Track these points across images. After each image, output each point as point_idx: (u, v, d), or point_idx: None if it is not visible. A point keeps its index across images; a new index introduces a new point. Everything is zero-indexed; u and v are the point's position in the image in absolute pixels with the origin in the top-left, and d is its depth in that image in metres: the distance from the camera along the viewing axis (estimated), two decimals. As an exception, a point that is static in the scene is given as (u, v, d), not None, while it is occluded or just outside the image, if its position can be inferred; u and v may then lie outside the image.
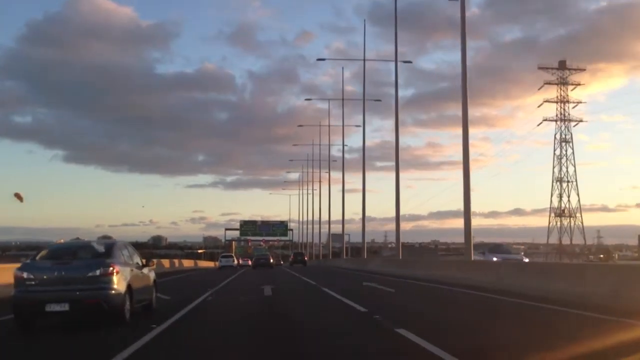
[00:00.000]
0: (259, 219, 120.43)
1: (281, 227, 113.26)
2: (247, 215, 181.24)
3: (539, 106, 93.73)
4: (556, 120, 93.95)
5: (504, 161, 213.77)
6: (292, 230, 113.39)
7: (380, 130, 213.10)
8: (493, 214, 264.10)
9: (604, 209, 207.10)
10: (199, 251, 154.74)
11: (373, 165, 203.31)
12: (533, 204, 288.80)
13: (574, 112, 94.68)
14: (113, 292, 9.68)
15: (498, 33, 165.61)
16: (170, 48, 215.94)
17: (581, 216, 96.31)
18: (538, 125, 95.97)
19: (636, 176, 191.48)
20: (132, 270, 10.55)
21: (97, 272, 9.67)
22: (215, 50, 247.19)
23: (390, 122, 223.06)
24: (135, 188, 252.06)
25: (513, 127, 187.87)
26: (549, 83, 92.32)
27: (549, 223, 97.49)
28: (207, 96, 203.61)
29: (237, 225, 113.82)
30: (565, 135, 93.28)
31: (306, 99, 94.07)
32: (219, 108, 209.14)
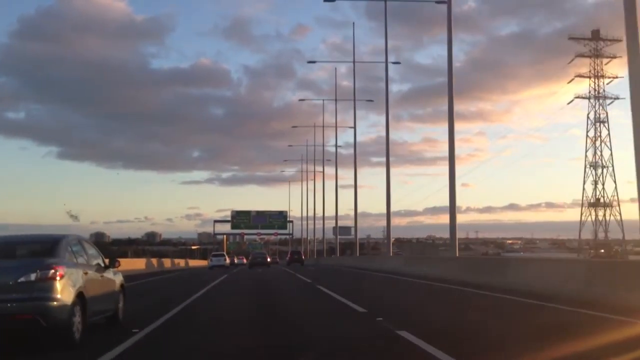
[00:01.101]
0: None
1: (279, 218, 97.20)
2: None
3: (569, 81, 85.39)
4: (589, 98, 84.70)
5: (500, 156, 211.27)
6: (292, 221, 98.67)
7: (376, 125, 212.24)
8: (488, 209, 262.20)
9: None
10: (193, 247, 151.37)
11: (369, 161, 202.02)
12: (528, 199, 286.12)
13: (609, 89, 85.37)
14: (55, 303, 7.22)
15: (495, 27, 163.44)
16: (165, 43, 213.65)
17: (619, 206, 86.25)
18: (569, 103, 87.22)
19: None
20: (86, 273, 8.21)
21: (32, 277, 7.23)
22: (210, 45, 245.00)
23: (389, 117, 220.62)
24: (130, 184, 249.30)
25: (509, 123, 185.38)
26: (582, 55, 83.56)
27: (581, 215, 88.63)
28: (203, 91, 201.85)
29: (229, 217, 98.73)
30: (600, 114, 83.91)
31: (300, 100, 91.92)
32: (215, 103, 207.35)
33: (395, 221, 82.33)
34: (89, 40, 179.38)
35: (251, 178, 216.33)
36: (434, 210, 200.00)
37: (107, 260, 9.51)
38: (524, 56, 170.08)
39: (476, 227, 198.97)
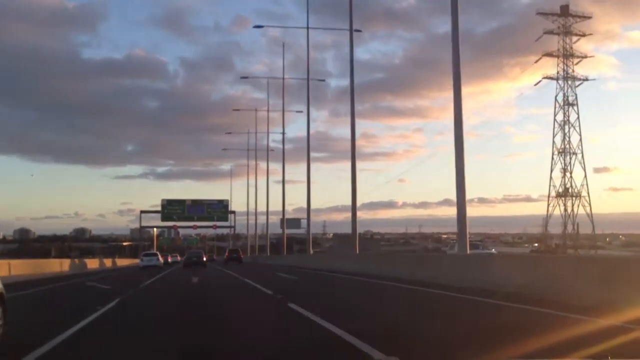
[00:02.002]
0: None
1: (219, 207, 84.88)
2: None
3: (536, 61, 79.75)
4: (557, 79, 78.87)
5: (436, 152, 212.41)
6: (234, 212, 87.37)
7: (315, 120, 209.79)
8: (424, 204, 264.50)
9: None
10: (124, 244, 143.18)
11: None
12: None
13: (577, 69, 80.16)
14: None
15: (433, 25, 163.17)
16: (98, 31, 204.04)
17: (589, 197, 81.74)
18: (536, 84, 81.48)
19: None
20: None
21: None
22: (145, 35, 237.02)
23: (325, 113, 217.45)
24: (60, 179, 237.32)
25: (446, 119, 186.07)
26: (549, 32, 77.61)
27: (548, 206, 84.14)
28: (137, 83, 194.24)
29: (159, 207, 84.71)
30: (568, 96, 78.35)
31: (242, 77, 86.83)
32: (150, 96, 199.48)
33: (332, 216, 78.72)
34: (16, 26, 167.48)
35: (188, 173, 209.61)
36: (371, 206, 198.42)
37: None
38: (461, 54, 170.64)
39: (413, 222, 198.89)
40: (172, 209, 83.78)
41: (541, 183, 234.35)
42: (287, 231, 58.41)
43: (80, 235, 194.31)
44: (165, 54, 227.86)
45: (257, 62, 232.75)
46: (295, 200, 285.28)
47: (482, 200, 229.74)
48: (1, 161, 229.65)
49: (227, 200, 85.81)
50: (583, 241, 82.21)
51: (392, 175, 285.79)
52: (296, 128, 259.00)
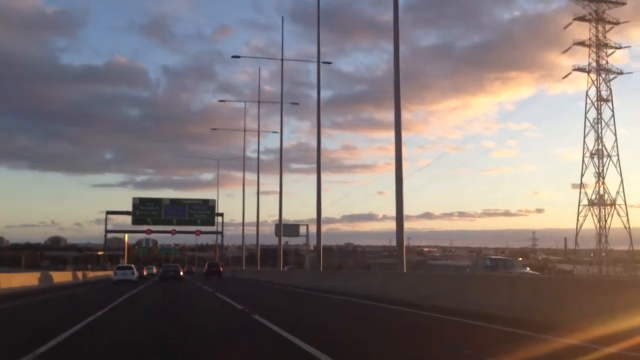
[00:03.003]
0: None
1: (203, 209, 70.64)
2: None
3: (565, 51, 70.06)
4: (588, 71, 68.70)
5: (416, 165, 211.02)
6: (222, 215, 74.57)
7: (297, 131, 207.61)
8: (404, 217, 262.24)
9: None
10: (99, 253, 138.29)
11: (289, 167, 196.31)
12: (442, 208, 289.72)
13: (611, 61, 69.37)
14: None
15: (415, 37, 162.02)
16: (77, 37, 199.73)
17: (625, 206, 67.80)
18: (565, 77, 71.43)
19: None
20: None
21: None
22: (126, 42, 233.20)
23: (307, 124, 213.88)
24: (36, 186, 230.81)
25: (426, 133, 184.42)
26: (581, 19, 68.10)
27: (578, 216, 69.84)
28: (117, 90, 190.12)
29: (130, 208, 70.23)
30: (601, 91, 67.88)
31: (220, 100, 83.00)
32: (130, 104, 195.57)
33: (311, 229, 75.31)
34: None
35: (167, 182, 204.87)
36: (352, 218, 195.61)
37: None
38: (442, 67, 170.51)
39: (392, 236, 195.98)
40: (145, 209, 68.76)
41: (520, 198, 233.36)
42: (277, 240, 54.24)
43: (54, 244, 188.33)
44: (146, 62, 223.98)
45: (240, 71, 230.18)
46: (274, 211, 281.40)
47: (462, 215, 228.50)
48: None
49: (214, 201, 72.30)
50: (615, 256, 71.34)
51: (372, 188, 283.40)
52: (276, 140, 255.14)
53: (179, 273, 45.41)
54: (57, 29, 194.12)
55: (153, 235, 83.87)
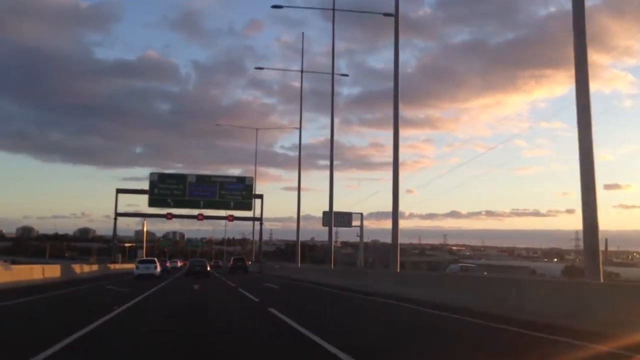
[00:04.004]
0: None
1: (238, 188, 56.12)
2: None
3: None
4: None
5: (445, 164, 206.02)
6: (261, 197, 60.51)
7: (325, 127, 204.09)
8: (430, 216, 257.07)
9: None
10: (127, 245, 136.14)
11: (316, 164, 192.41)
12: (469, 207, 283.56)
13: None
14: None
15: (447, 34, 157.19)
16: (111, 32, 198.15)
17: None
18: None
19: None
20: None
21: None
22: (158, 37, 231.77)
23: (337, 120, 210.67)
24: (68, 179, 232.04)
25: (456, 131, 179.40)
26: None
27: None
28: (149, 85, 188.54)
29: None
30: None
31: (257, 68, 75.19)
32: (161, 98, 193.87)
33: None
34: (28, 24, 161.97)
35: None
36: (378, 216, 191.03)
37: None
38: (474, 65, 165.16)
39: (419, 234, 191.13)
40: (165, 188, 54.74)
41: (550, 198, 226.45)
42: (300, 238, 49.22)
43: (83, 235, 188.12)
44: (177, 57, 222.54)
45: (270, 66, 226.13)
46: (302, 207, 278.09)
47: (489, 214, 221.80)
48: (10, 159, 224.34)
49: (251, 179, 57.61)
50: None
51: (400, 186, 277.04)
52: (305, 136, 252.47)
53: (206, 268, 44.04)
54: (92, 24, 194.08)
55: (175, 221, 77.59)
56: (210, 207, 56.51)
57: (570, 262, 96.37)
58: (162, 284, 28.42)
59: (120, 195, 56.50)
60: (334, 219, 37.80)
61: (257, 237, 65.61)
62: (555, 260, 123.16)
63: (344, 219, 60.50)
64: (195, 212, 58.47)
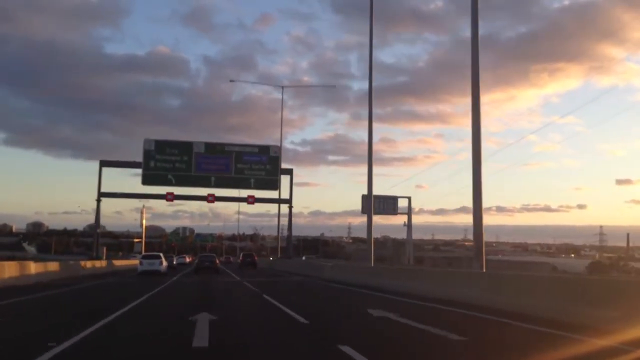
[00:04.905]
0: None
1: (261, 161, 44.27)
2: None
3: None
4: None
5: (455, 159, 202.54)
6: (291, 172, 48.03)
7: (335, 123, 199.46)
8: (441, 211, 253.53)
9: None
10: (135, 240, 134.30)
11: (325, 159, 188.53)
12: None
13: None
14: None
15: (459, 28, 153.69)
16: (121, 27, 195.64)
17: None
18: None
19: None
20: None
21: None
22: (168, 32, 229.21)
23: (345, 116, 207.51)
24: (78, 175, 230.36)
25: (467, 126, 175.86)
26: None
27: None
28: (158, 81, 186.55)
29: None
30: None
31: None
32: (170, 94, 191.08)
33: (348, 220, 65.70)
34: (38, 19, 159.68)
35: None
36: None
37: None
38: (485, 59, 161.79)
39: (433, 229, 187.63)
40: (164, 160, 43.40)
41: (561, 193, 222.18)
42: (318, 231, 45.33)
43: (92, 230, 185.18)
44: (187, 52, 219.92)
45: (280, 61, 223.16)
46: (310, 202, 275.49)
47: (500, 209, 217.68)
48: (21, 155, 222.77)
49: (277, 148, 45.41)
50: None
51: (412, 181, 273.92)
52: (314, 131, 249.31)
53: (216, 263, 42.10)
54: (101, 19, 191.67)
55: (178, 202, 70.04)
56: (223, 185, 44.48)
57: (591, 258, 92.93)
58: (153, 291, 18.89)
59: (130, 192, 50.52)
60: (374, 203, 29.25)
61: (277, 224, 55.39)
62: (573, 255, 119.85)
63: (387, 204, 48.84)
64: (204, 191, 45.30)
